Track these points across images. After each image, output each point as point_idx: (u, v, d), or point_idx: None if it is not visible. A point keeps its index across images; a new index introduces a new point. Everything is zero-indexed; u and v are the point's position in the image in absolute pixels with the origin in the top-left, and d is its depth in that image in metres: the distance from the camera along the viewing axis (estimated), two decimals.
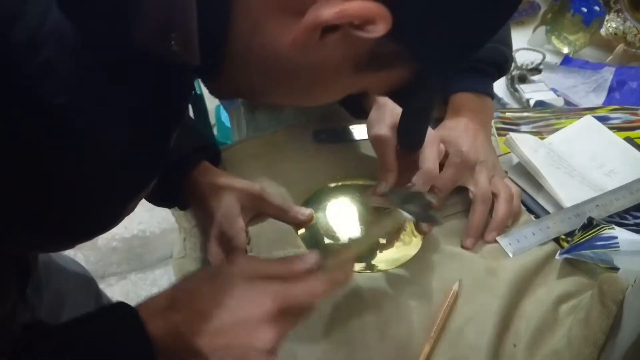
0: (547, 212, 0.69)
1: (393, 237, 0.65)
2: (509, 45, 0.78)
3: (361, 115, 0.67)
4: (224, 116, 1.66)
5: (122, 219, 0.43)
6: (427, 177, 0.60)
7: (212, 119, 1.64)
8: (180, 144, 0.60)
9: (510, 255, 0.63)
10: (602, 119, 0.82)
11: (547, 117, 0.84)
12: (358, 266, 0.61)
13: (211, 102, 1.44)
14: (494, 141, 0.77)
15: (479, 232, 0.65)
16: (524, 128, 0.82)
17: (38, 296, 0.66)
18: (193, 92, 0.67)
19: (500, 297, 0.57)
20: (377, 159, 0.65)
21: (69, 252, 1.63)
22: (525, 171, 0.72)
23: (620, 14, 1.04)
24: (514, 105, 0.91)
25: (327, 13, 0.32)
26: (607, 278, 0.49)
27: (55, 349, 0.39)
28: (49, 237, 0.39)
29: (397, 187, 0.62)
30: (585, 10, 0.99)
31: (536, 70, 0.97)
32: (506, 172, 0.73)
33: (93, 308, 0.44)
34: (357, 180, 0.71)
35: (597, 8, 1.00)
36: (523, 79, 0.94)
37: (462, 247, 0.65)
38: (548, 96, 0.90)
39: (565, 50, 1.03)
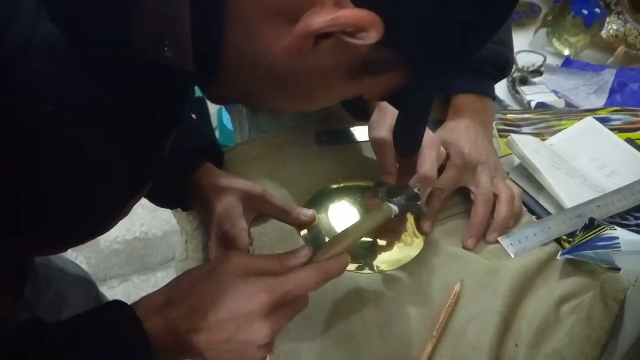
0: (549, 213, 0.69)
1: (394, 238, 0.65)
2: (510, 47, 0.78)
3: (363, 117, 0.68)
4: (226, 119, 1.66)
5: (117, 222, 0.44)
6: (423, 181, 0.60)
7: (214, 122, 1.64)
8: (183, 145, 0.61)
9: (512, 255, 0.63)
10: (603, 120, 0.82)
11: (548, 119, 0.85)
12: (354, 266, 0.62)
13: (213, 105, 1.44)
14: (495, 142, 0.77)
15: (481, 233, 0.66)
16: (525, 129, 0.83)
17: (37, 297, 0.66)
18: (194, 96, 0.67)
19: (502, 297, 0.57)
20: (377, 162, 0.65)
21: (70, 255, 1.64)
22: (526, 172, 0.72)
23: (620, 16, 1.04)
24: (515, 107, 0.92)
25: (319, 21, 0.32)
26: (609, 277, 0.49)
27: (52, 346, 0.39)
28: (42, 240, 0.40)
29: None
30: (585, 12, 0.99)
31: (537, 72, 0.97)
32: (507, 173, 0.73)
33: None
34: (359, 182, 0.71)
35: (597, 10, 1.00)
36: (524, 81, 0.94)
37: (464, 247, 0.65)
38: (549, 98, 0.90)
39: (566, 52, 1.03)
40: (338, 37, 0.34)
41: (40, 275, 0.68)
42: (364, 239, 0.64)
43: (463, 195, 0.69)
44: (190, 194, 0.64)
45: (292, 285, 0.44)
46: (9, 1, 0.29)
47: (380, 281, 0.60)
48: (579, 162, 0.76)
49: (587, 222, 0.61)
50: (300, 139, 0.77)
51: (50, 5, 0.30)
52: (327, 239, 0.64)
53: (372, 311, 0.57)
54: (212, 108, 1.35)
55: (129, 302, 0.44)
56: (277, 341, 0.54)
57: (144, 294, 0.45)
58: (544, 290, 0.60)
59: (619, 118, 0.84)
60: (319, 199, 0.69)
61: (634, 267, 0.54)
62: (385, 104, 0.66)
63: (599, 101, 0.93)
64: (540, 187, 0.71)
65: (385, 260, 0.63)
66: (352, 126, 0.78)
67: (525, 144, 0.73)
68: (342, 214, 0.67)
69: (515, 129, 0.82)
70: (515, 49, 0.84)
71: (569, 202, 0.68)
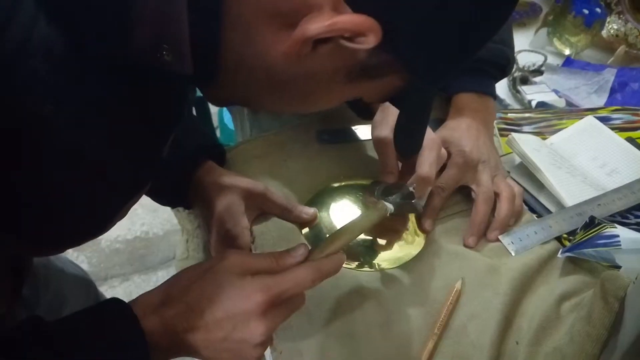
0: (549, 212, 0.69)
1: (395, 237, 0.65)
2: (510, 46, 0.79)
3: (368, 116, 0.68)
4: (227, 118, 1.67)
5: (115, 222, 0.44)
6: (421, 182, 0.60)
7: (215, 122, 1.64)
8: (185, 143, 0.61)
9: (513, 253, 0.64)
10: (603, 120, 0.82)
11: (548, 118, 0.85)
12: (354, 264, 0.62)
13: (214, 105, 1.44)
14: (496, 141, 0.77)
15: (482, 231, 0.66)
16: (525, 128, 0.83)
17: (36, 298, 0.66)
18: (194, 95, 0.67)
19: (503, 295, 0.58)
20: (379, 161, 0.65)
21: (71, 254, 1.64)
22: (527, 171, 0.72)
23: (621, 16, 1.04)
24: (516, 106, 0.92)
25: (317, 27, 0.32)
26: (609, 275, 0.49)
27: (50, 344, 0.39)
28: (41, 240, 0.40)
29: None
30: (586, 12, 0.99)
31: (538, 71, 0.97)
32: (508, 172, 0.73)
33: None
34: (360, 180, 0.71)
35: (598, 10, 1.00)
36: (525, 81, 0.94)
37: (465, 245, 0.65)
38: (550, 97, 0.90)
39: (567, 51, 1.03)
40: (336, 42, 0.34)
41: (40, 275, 0.68)
42: (365, 237, 0.64)
43: (464, 194, 0.70)
44: (192, 193, 0.64)
45: (288, 284, 0.44)
46: (8, 1, 0.29)
47: (382, 279, 0.61)
48: (579, 161, 0.77)
49: (588, 221, 0.62)
50: (302, 137, 0.77)
51: (50, 5, 0.30)
52: None
53: (373, 309, 0.57)
54: (213, 108, 1.35)
55: None
56: (279, 338, 0.54)
57: None
58: (544, 288, 0.60)
59: (620, 117, 0.84)
60: (320, 197, 0.69)
61: (634, 265, 0.55)
62: (388, 103, 0.66)
63: (600, 101, 0.93)
64: (540, 185, 0.71)
65: (386, 258, 0.63)
66: (354, 125, 0.79)
67: (526, 142, 0.73)
68: (343, 213, 0.67)
69: (516, 128, 0.83)
70: (516, 49, 0.84)
71: (569, 200, 0.68)
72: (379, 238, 0.65)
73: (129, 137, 0.39)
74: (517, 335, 0.56)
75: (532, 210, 0.70)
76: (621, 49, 1.02)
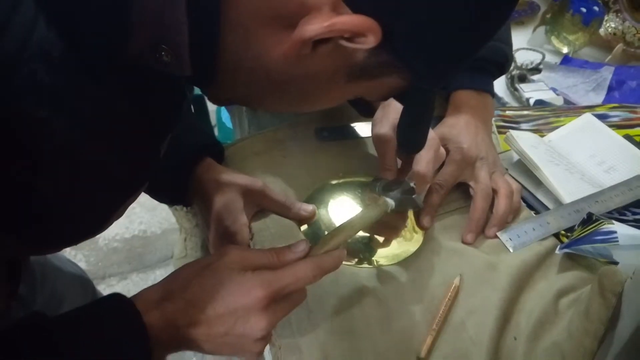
0: (547, 208, 0.69)
1: (394, 234, 0.65)
2: (509, 44, 0.79)
3: (369, 113, 0.68)
4: (225, 117, 1.67)
5: (113, 222, 0.44)
6: (418, 179, 0.60)
7: (213, 120, 1.64)
8: (185, 141, 0.61)
9: (511, 250, 0.64)
10: (601, 117, 0.83)
11: (546, 115, 0.85)
12: (353, 261, 0.62)
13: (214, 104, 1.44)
14: (494, 139, 0.77)
15: (480, 228, 0.66)
16: (524, 126, 0.83)
17: (33, 296, 0.66)
18: (192, 94, 0.67)
19: (501, 291, 0.58)
20: (378, 158, 0.65)
21: (69, 253, 1.63)
22: (525, 168, 0.73)
23: (619, 14, 1.05)
24: (514, 104, 0.92)
25: (316, 27, 0.32)
26: (607, 271, 0.49)
27: (51, 340, 0.39)
28: (39, 239, 0.40)
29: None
30: (584, 10, 1.00)
31: (536, 69, 0.97)
32: (506, 169, 0.73)
33: None
34: (359, 177, 0.71)
35: (596, 8, 1.00)
36: (523, 79, 0.94)
37: (463, 242, 0.65)
38: (548, 95, 0.91)
39: (565, 50, 1.04)
40: (336, 43, 0.34)
41: (37, 273, 0.68)
42: (363, 234, 0.64)
43: (462, 191, 0.70)
44: (191, 190, 0.64)
45: (288, 280, 0.44)
46: (7, 3, 0.29)
47: (381, 276, 0.61)
48: (577, 158, 0.77)
49: (586, 217, 0.62)
50: (301, 134, 0.77)
51: (49, 7, 0.30)
52: None
53: (372, 305, 0.57)
54: (211, 106, 1.35)
55: None
56: (278, 334, 0.54)
57: None
58: (542, 284, 0.60)
59: (617, 115, 0.84)
60: (319, 194, 0.69)
61: (631, 260, 0.55)
62: (389, 100, 0.66)
63: (598, 99, 0.94)
64: (538, 182, 0.71)
65: (385, 255, 0.63)
66: (353, 122, 0.79)
67: (524, 140, 0.74)
68: (342, 210, 0.67)
69: (514, 125, 0.83)
70: (514, 47, 0.84)
71: (567, 197, 0.68)
72: (378, 235, 0.65)
73: (127, 137, 0.39)
74: (515, 330, 0.56)
75: (530, 207, 0.70)
76: (619, 47, 1.02)
